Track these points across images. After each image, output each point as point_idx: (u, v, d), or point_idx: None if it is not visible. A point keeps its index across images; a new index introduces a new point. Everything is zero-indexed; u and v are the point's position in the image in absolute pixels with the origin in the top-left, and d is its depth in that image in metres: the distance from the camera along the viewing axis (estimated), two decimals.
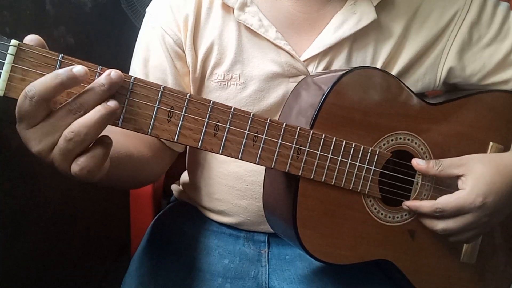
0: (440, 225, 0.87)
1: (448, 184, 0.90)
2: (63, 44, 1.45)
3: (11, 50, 0.58)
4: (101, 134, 0.63)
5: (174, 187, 1.24)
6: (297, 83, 0.92)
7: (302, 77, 0.93)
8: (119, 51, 1.76)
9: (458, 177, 0.87)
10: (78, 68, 0.60)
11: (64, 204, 1.52)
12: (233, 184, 1.02)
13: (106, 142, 0.65)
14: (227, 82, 0.95)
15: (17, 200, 1.28)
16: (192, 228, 1.10)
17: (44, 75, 0.60)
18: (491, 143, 0.96)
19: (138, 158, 0.90)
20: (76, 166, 0.63)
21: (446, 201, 0.85)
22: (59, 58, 0.60)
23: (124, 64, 1.03)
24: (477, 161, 0.89)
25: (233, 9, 0.91)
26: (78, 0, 1.55)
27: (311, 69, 0.93)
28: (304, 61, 0.92)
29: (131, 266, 1.04)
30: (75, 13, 1.54)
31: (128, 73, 0.97)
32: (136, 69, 0.98)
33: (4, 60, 0.58)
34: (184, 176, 1.19)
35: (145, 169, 0.95)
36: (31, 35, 0.61)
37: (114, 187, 0.94)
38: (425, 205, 0.87)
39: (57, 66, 0.60)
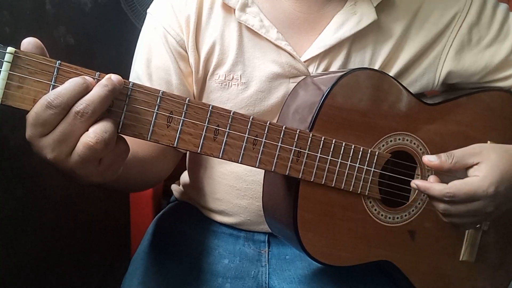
0: (445, 206, 0.85)
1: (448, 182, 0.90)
2: (63, 44, 1.45)
3: (8, 57, 0.58)
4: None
5: (174, 187, 1.24)
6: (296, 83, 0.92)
7: (303, 77, 0.93)
8: (119, 51, 1.76)
9: (471, 166, 0.86)
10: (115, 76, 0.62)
11: (64, 204, 1.53)
12: (233, 184, 1.02)
13: (124, 138, 0.67)
14: (229, 83, 0.95)
15: (17, 200, 1.28)
16: (192, 228, 1.10)
17: (41, 82, 0.60)
18: (488, 142, 0.96)
19: (143, 158, 0.90)
20: (102, 166, 0.64)
21: (458, 186, 0.83)
22: (56, 65, 0.60)
23: (124, 65, 1.03)
24: (491, 150, 0.88)
25: (234, 10, 0.91)
26: (78, 0, 1.55)
27: (312, 69, 0.93)
28: (304, 61, 0.92)
29: (131, 266, 1.04)
30: (75, 13, 1.54)
31: (129, 74, 0.98)
32: (139, 70, 0.97)
33: (1, 68, 0.57)
34: (184, 176, 1.19)
35: (151, 169, 0.95)
36: (29, 38, 0.60)
37: (121, 190, 0.94)
38: (436, 188, 0.84)
39: (55, 73, 0.60)
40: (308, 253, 0.84)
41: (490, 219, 0.91)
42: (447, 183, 0.85)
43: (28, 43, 0.60)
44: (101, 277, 1.82)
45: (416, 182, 0.87)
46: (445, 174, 0.88)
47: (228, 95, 0.96)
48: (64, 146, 0.60)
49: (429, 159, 0.86)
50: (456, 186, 0.83)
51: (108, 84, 0.61)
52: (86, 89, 0.60)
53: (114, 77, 0.62)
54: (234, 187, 1.02)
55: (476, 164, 0.86)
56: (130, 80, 0.98)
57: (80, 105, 0.60)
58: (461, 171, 0.86)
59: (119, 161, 0.68)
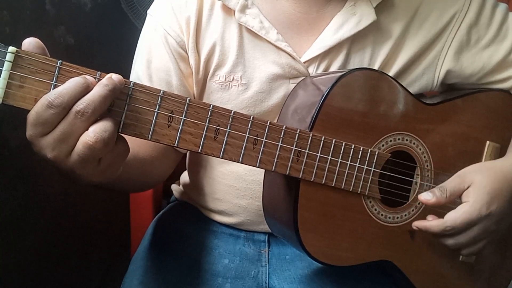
0: (450, 240, 0.87)
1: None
2: (63, 44, 1.45)
3: (9, 57, 0.58)
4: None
5: (174, 187, 1.24)
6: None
7: (303, 78, 0.93)
8: (119, 51, 1.76)
9: (463, 192, 0.87)
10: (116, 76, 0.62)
11: (64, 204, 1.53)
12: (233, 184, 1.02)
13: (124, 138, 0.67)
14: (229, 84, 0.95)
15: (17, 200, 1.28)
16: (192, 228, 1.10)
17: (42, 81, 0.60)
18: (488, 142, 0.97)
19: (143, 158, 0.90)
20: (102, 166, 0.65)
21: (453, 217, 0.84)
22: (58, 65, 0.60)
23: (124, 65, 1.03)
24: (474, 172, 0.89)
25: (234, 11, 0.91)
26: (78, 0, 1.55)
27: (312, 70, 0.93)
28: (304, 62, 0.92)
29: (131, 266, 1.04)
30: (75, 13, 1.54)
31: (129, 74, 0.98)
32: (139, 71, 0.97)
33: (2, 67, 0.58)
34: (184, 176, 1.19)
35: (151, 170, 0.95)
36: (30, 38, 0.61)
37: (121, 190, 0.95)
38: (435, 224, 0.85)
39: (56, 73, 0.60)
40: (308, 253, 0.84)
41: (499, 235, 0.91)
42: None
43: (29, 43, 0.60)
44: (101, 277, 1.82)
45: (415, 224, 0.88)
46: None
47: (228, 96, 0.96)
48: (64, 145, 0.61)
49: (426, 198, 0.86)
50: (451, 217, 0.84)
51: (108, 84, 0.61)
52: (87, 89, 0.61)
53: (115, 77, 0.62)
54: (234, 187, 1.02)
55: (466, 189, 0.86)
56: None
57: (81, 105, 0.60)
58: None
59: (119, 161, 0.69)
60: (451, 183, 0.88)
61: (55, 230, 1.49)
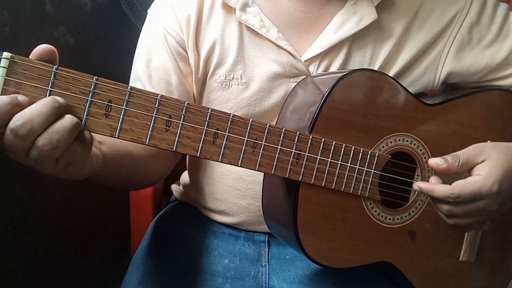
0: (446, 207, 0.84)
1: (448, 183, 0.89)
2: (63, 44, 1.45)
3: (3, 63, 0.56)
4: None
5: (174, 187, 1.24)
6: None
7: (303, 77, 0.93)
8: (119, 51, 1.76)
9: (475, 165, 0.85)
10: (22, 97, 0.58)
11: (64, 204, 1.53)
12: (233, 184, 1.02)
13: (83, 138, 0.63)
14: (229, 82, 0.95)
15: (17, 200, 1.28)
16: (192, 228, 1.10)
17: (38, 87, 0.59)
18: (488, 142, 0.96)
19: (137, 157, 0.90)
20: (60, 166, 0.62)
21: (462, 186, 0.81)
22: (53, 70, 0.59)
23: (124, 65, 1.03)
24: (492, 148, 0.86)
25: (235, 10, 0.91)
26: (78, 0, 1.55)
27: (312, 69, 0.93)
28: (305, 61, 0.92)
29: (131, 266, 1.04)
30: (75, 13, 1.53)
31: (129, 75, 0.98)
32: (139, 71, 0.97)
33: None
34: (184, 176, 1.19)
35: (145, 169, 0.95)
36: (42, 45, 0.59)
37: (114, 187, 0.94)
38: (439, 189, 0.83)
39: (52, 78, 0.59)
40: (308, 256, 0.84)
41: (494, 217, 0.89)
42: (446, 183, 0.84)
43: (41, 51, 0.58)
44: (101, 277, 1.83)
45: (418, 185, 0.86)
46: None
47: (228, 95, 0.96)
48: (16, 154, 0.59)
49: (437, 163, 0.84)
50: (460, 186, 0.81)
51: (51, 101, 0.58)
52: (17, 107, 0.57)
53: (60, 99, 0.59)
54: (234, 187, 1.02)
55: (480, 163, 0.84)
56: (130, 80, 0.98)
57: (16, 122, 0.57)
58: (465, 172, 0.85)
59: (78, 161, 0.65)
60: (466, 153, 0.85)
61: (55, 230, 1.49)
